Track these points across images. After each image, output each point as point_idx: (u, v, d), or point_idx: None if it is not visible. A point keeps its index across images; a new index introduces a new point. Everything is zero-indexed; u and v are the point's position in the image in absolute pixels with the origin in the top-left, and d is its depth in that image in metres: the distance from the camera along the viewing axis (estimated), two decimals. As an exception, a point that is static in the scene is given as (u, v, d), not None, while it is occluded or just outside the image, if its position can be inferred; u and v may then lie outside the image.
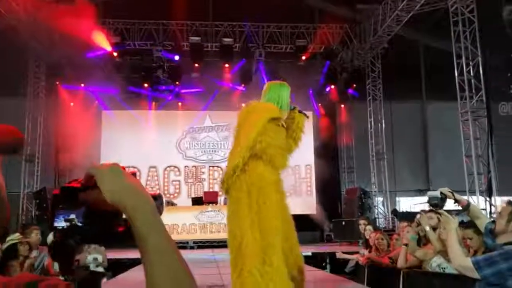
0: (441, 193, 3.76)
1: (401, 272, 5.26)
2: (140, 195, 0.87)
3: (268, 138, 4.18)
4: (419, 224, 5.50)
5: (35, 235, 6.58)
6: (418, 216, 5.60)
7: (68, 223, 0.92)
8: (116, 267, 8.10)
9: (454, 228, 3.47)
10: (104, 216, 0.92)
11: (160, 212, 1.05)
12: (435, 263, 5.02)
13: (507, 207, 3.46)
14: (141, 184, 0.92)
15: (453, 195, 3.80)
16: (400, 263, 5.63)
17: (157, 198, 1.05)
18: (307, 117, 4.55)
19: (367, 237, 7.55)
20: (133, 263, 8.34)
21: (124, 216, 0.89)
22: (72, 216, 0.93)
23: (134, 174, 0.98)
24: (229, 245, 4.07)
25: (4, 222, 0.86)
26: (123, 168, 0.96)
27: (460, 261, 3.36)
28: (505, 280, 3.20)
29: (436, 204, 3.73)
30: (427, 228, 4.77)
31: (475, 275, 3.25)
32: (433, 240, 4.67)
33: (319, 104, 17.44)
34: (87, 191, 0.92)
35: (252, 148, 4.12)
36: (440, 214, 3.70)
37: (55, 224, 0.86)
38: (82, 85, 15.88)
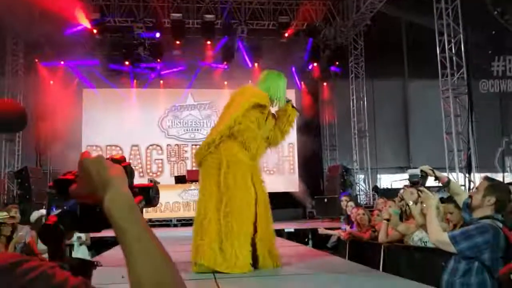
0: (421, 171, 3.82)
1: (382, 246, 5.35)
2: (117, 187, 0.87)
3: (248, 122, 4.21)
4: (402, 199, 5.58)
5: (14, 213, 6.57)
6: (401, 191, 5.68)
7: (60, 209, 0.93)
8: (99, 246, 8.12)
9: (433, 205, 3.53)
10: (94, 208, 0.92)
11: (155, 203, 1.05)
12: (417, 237, 5.11)
13: (484, 182, 3.53)
14: (123, 175, 0.93)
15: (434, 172, 3.86)
16: (381, 237, 5.72)
17: (151, 189, 1.04)
18: (300, 113, 4.60)
19: (349, 213, 7.65)
20: (115, 241, 8.32)
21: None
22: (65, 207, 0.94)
23: (122, 159, 0.97)
24: (195, 217, 4.20)
25: None
26: (112, 157, 0.98)
27: (438, 236, 3.42)
28: (481, 253, 3.27)
29: (417, 182, 3.79)
30: (410, 203, 4.85)
31: (452, 249, 3.32)
32: (415, 214, 4.75)
33: (302, 82, 17.42)
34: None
35: (231, 128, 4.14)
36: (420, 191, 3.76)
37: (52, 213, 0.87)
38: (62, 62, 15.60)
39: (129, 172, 0.97)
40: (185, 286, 0.86)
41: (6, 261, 0.74)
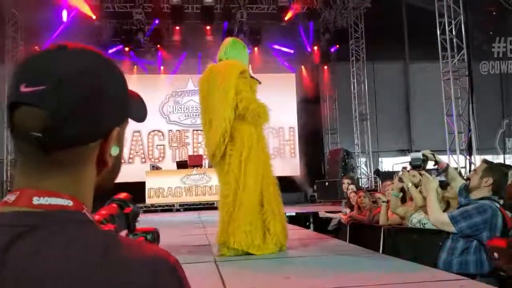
0: (423, 155, 3.86)
1: (382, 229, 5.40)
2: None
3: (246, 94, 4.19)
4: (401, 181, 5.62)
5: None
6: (400, 173, 5.72)
7: None
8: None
9: (433, 188, 3.60)
10: None
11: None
12: (416, 219, 5.15)
13: (482, 164, 3.61)
14: None
15: (434, 157, 3.91)
16: (382, 220, 5.77)
17: (149, 234, 1.11)
18: (259, 83, 4.56)
19: (350, 196, 7.71)
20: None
21: None
22: None
23: (128, 200, 1.12)
24: (221, 205, 4.21)
25: None
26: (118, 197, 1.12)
27: (437, 216, 3.49)
28: (479, 232, 3.35)
29: (419, 165, 3.84)
30: (409, 185, 4.90)
31: (451, 228, 3.38)
32: (415, 196, 4.81)
33: (302, 65, 17.37)
34: None
35: (234, 108, 4.12)
36: (421, 174, 3.81)
37: None
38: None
39: (132, 216, 1.04)
40: None
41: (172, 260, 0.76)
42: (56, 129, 0.72)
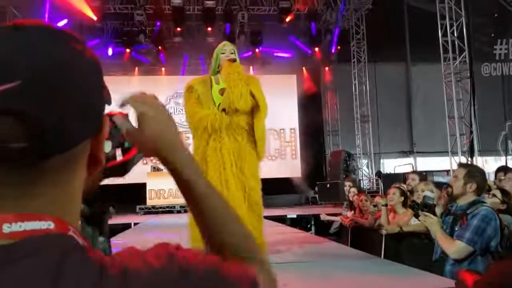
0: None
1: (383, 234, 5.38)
2: (180, 143, 0.85)
3: (186, 108, 4.31)
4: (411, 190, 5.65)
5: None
6: (414, 183, 5.71)
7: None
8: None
9: (437, 230, 3.58)
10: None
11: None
12: (415, 222, 5.14)
13: (461, 170, 3.62)
14: (176, 128, 0.89)
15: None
16: (383, 223, 5.74)
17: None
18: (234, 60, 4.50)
19: (351, 199, 7.68)
20: (122, 229, 8.41)
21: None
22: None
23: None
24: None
25: None
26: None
27: (454, 249, 3.44)
28: (490, 241, 3.35)
29: (428, 205, 3.82)
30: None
31: (472, 249, 3.35)
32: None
33: (303, 67, 17.35)
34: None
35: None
36: (424, 215, 3.76)
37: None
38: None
39: (105, 219, 0.95)
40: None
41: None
42: (43, 133, 0.58)
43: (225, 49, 4.35)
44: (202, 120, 4.04)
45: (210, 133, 4.03)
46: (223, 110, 4.07)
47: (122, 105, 0.86)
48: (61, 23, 14.58)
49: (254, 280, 0.69)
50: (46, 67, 0.59)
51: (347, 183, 8.41)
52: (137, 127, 0.83)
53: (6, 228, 0.58)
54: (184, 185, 0.82)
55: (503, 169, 5.62)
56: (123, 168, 0.94)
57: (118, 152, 0.90)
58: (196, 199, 0.82)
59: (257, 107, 4.13)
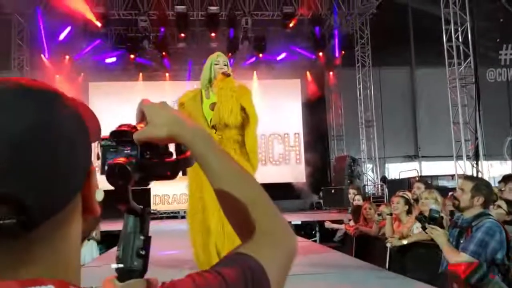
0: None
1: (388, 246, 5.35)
2: (192, 123, 0.87)
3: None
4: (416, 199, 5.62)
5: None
6: (421, 193, 5.68)
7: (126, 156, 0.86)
8: (108, 241, 8.11)
9: (443, 242, 3.59)
10: (157, 149, 0.91)
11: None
12: (417, 230, 5.10)
13: (467, 183, 3.61)
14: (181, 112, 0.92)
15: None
16: (387, 233, 5.71)
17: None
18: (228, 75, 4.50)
19: (355, 206, 7.63)
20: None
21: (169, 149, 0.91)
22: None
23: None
24: None
25: None
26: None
27: (458, 260, 3.45)
28: (496, 254, 3.34)
29: (435, 218, 3.83)
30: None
31: (476, 261, 3.35)
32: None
33: (308, 71, 17.34)
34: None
35: None
36: (431, 228, 3.76)
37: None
38: (67, 56, 15.62)
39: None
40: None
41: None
42: (26, 210, 0.57)
43: (219, 60, 4.43)
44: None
45: None
46: (213, 126, 4.10)
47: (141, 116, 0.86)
48: (64, 32, 14.67)
49: None
50: (27, 141, 0.58)
51: (352, 191, 8.36)
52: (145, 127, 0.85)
53: None
54: (199, 162, 0.85)
55: (504, 180, 5.55)
56: (188, 163, 0.94)
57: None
58: (211, 175, 0.83)
59: (247, 119, 4.14)
